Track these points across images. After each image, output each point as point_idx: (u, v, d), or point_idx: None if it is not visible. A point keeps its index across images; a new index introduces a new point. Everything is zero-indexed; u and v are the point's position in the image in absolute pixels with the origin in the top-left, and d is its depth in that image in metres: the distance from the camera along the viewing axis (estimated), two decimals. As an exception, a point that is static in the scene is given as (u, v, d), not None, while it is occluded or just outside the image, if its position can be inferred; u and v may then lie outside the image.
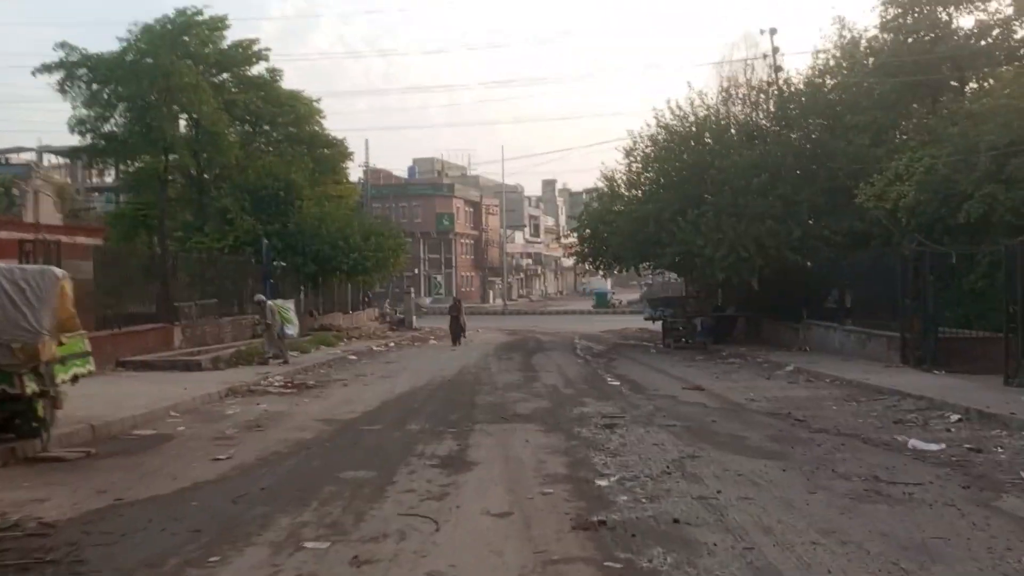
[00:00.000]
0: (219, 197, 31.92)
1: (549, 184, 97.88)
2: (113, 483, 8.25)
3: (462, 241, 77.50)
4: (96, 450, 9.90)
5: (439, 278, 73.55)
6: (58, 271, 10.16)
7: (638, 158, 29.32)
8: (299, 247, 31.48)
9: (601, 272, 32.80)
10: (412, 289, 43.83)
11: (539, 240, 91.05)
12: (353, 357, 24.16)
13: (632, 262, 28.22)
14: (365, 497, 7.68)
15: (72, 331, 10.18)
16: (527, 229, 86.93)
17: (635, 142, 29.34)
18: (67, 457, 9.48)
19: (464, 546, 6.20)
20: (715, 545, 6.12)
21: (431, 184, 75.75)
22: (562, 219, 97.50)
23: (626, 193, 29.65)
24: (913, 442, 10.20)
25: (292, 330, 20.39)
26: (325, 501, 7.54)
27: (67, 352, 9.93)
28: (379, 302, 56.59)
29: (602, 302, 63.01)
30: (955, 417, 12.07)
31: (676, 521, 6.75)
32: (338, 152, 37.88)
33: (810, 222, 24.32)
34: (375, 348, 27.64)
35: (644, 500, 7.48)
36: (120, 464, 9.29)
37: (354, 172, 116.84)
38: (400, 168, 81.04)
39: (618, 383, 17.59)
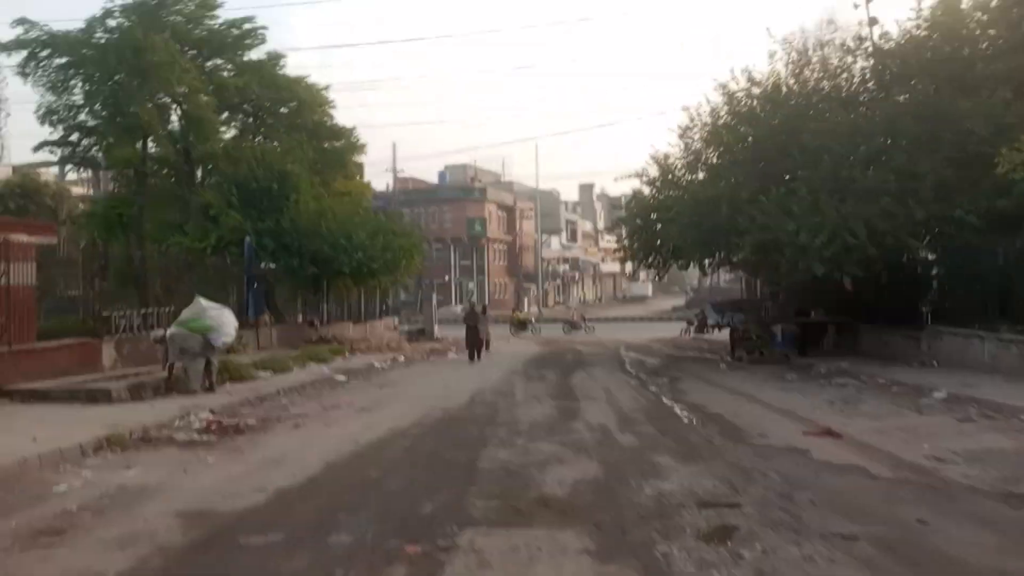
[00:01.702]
0: (202, 191, 26.51)
1: (587, 188, 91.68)
2: None
3: (495, 247, 71.71)
4: None
5: (471, 285, 67.77)
6: None
7: (697, 136, 23.22)
8: (294, 247, 25.92)
9: (656, 274, 26.39)
10: (434, 296, 38.03)
11: (576, 245, 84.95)
12: (342, 377, 18.42)
13: (695, 257, 21.90)
14: None
15: None
16: (564, 234, 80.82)
17: (693, 119, 23.28)
18: None
19: None
20: None
21: (462, 188, 70.13)
22: (600, 223, 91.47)
23: (685, 177, 23.53)
24: None
25: (222, 338, 14.59)
26: None
27: None
28: (408, 311, 51.19)
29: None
30: None
31: None
32: (348, 144, 32.20)
33: (933, 202, 17.98)
34: (377, 364, 21.90)
35: None
36: None
37: (382, 177, 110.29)
38: (431, 174, 75.78)
39: (697, 420, 11.61)
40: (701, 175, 22.54)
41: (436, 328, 34.96)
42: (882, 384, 15.55)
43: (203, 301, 15.03)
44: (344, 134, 31.34)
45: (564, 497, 7.05)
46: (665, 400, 14.24)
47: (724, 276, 69.97)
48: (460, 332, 30.29)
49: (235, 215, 25.63)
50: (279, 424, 11.69)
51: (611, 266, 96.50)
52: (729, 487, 7.41)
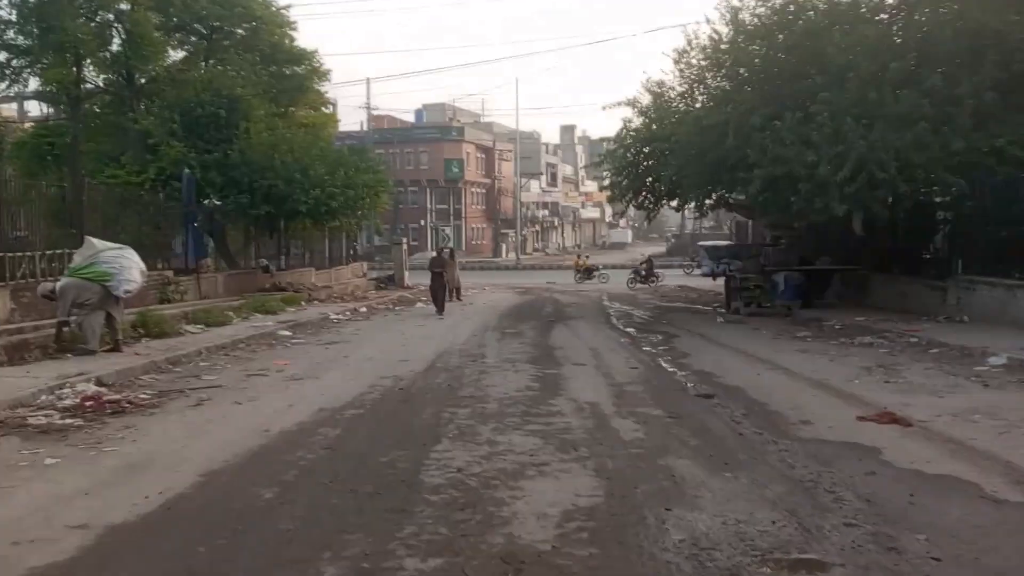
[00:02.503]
0: (140, 118, 23.26)
1: (568, 130, 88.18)
2: None
3: (473, 190, 68.43)
4: None
5: (447, 230, 64.68)
6: None
7: (696, 61, 20.18)
8: (244, 182, 22.89)
9: (646, 215, 23.46)
10: (404, 240, 35.08)
11: (556, 189, 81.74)
12: (286, 332, 15.67)
13: (695, 194, 19.00)
14: None
15: None
16: (544, 178, 77.53)
17: (690, 41, 20.21)
18: None
19: None
20: None
21: (439, 128, 66.40)
22: (581, 167, 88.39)
23: (681, 106, 20.56)
24: None
25: (124, 285, 11.71)
26: None
27: None
28: (383, 257, 48.21)
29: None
30: None
31: None
32: (309, 70, 28.78)
33: (972, 131, 15.30)
34: (333, 316, 19.14)
35: None
36: None
37: (355, 115, 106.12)
38: (407, 113, 71.93)
39: (711, 395, 9.03)
40: (700, 103, 19.61)
41: (406, 275, 32.17)
42: (916, 344, 13.05)
43: (97, 242, 12.15)
44: (305, 57, 27.92)
45: (546, 553, 4.41)
46: (665, 365, 11.65)
47: (706, 222, 67.42)
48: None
49: (177, 145, 22.56)
50: (178, 400, 8.96)
51: (591, 212, 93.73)
52: (794, 523, 4.81)
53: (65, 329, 11.70)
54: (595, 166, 21.51)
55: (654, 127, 20.36)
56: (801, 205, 15.69)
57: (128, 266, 11.92)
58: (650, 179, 20.74)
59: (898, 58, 15.38)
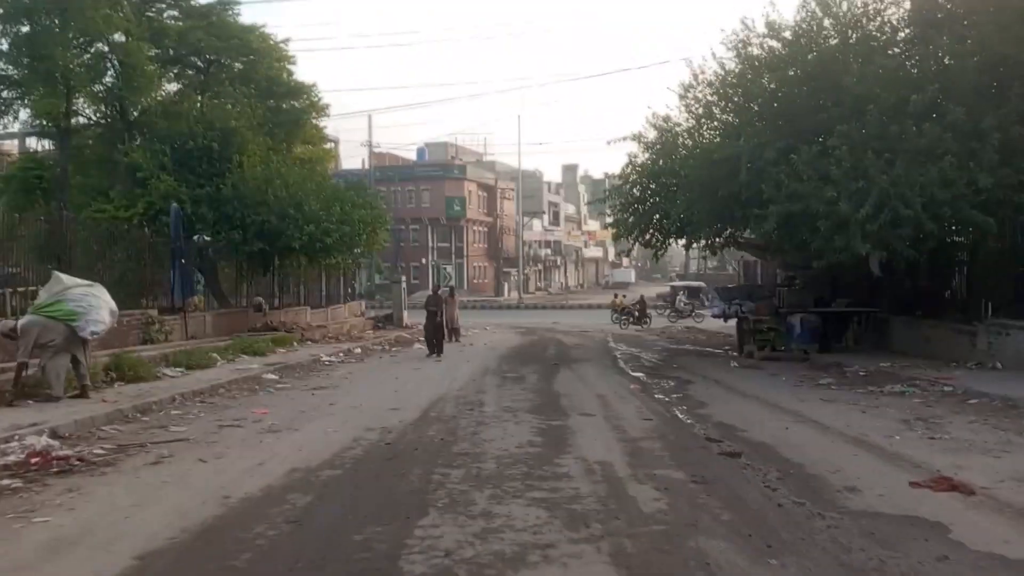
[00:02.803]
0: (130, 151, 22.51)
1: (570, 170, 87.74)
2: None
3: (475, 228, 67.67)
4: None
5: (449, 268, 63.78)
6: None
7: (703, 95, 19.37)
8: (237, 218, 22.04)
9: (654, 253, 22.42)
10: (403, 278, 34.15)
11: (559, 228, 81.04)
12: (272, 376, 14.65)
13: (705, 232, 18.00)
14: None
15: None
16: (546, 217, 76.80)
17: (696, 75, 19.43)
18: None
19: None
20: None
21: (441, 166, 65.86)
22: (584, 207, 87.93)
23: (687, 142, 19.72)
24: None
25: (91, 327, 10.68)
26: None
27: None
28: (384, 295, 47.30)
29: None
30: None
31: None
32: (308, 104, 28.12)
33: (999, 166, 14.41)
34: (325, 358, 18.11)
35: None
36: None
37: (356, 153, 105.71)
38: (409, 151, 71.57)
39: (738, 454, 7.99)
40: (708, 138, 18.78)
41: (405, 315, 31.18)
42: (951, 394, 12.03)
43: (65, 278, 11.21)
44: (303, 91, 27.29)
45: None
46: (681, 416, 10.61)
47: (711, 262, 66.56)
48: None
49: (167, 179, 21.76)
50: (136, 456, 7.93)
51: (594, 251, 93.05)
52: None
53: (26, 372, 10.71)
54: (600, 202, 20.65)
55: (660, 162, 19.53)
56: (820, 244, 14.75)
57: (97, 305, 10.96)
58: (657, 216, 19.84)
59: (918, 90, 14.56)
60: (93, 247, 21.24)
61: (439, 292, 21.25)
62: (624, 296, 41.02)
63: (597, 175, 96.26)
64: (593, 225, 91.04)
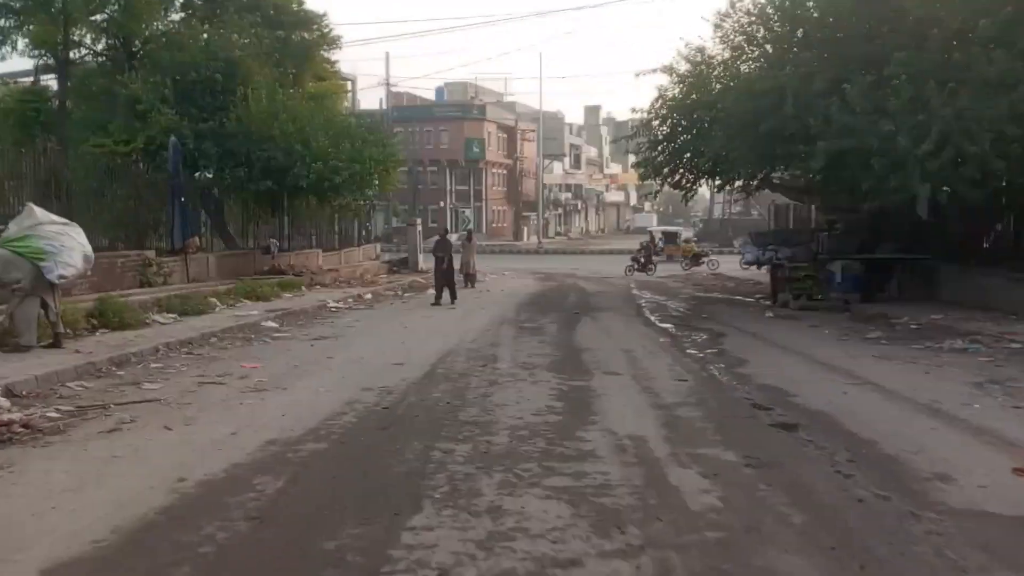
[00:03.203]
0: (129, 83, 21.14)
1: (593, 111, 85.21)
2: None
3: (494, 171, 65.92)
4: None
5: (467, 212, 62.33)
6: None
7: (742, 23, 17.60)
8: (242, 154, 20.75)
9: (683, 195, 20.78)
10: (418, 220, 32.80)
11: (580, 172, 79.01)
12: (271, 324, 13.53)
13: (747, 169, 16.33)
14: None
15: None
16: (567, 159, 74.76)
17: (733, 3, 17.62)
18: None
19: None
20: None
21: (460, 106, 63.84)
22: (606, 150, 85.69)
23: (722, 75, 18.00)
24: None
25: (59, 270, 9.52)
26: None
27: None
28: (399, 238, 46.11)
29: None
30: None
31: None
32: (318, 35, 26.48)
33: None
34: (332, 304, 16.99)
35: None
36: None
37: (373, 94, 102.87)
38: (428, 91, 69.44)
39: (794, 426, 6.75)
40: (746, 69, 17.11)
41: (421, 258, 29.96)
42: (1021, 351, 10.68)
43: (39, 212, 10.01)
44: (312, 21, 25.63)
45: None
46: (718, 375, 9.36)
47: (735, 206, 64.36)
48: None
49: (168, 112, 20.40)
50: (94, 421, 6.83)
51: (615, 195, 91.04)
52: None
53: (-11, 318, 9.63)
54: (626, 139, 19.00)
55: (694, 96, 17.89)
56: (872, 184, 13.25)
57: (70, 246, 9.78)
58: (688, 154, 18.30)
59: (988, 13, 12.82)
60: (92, 184, 20.17)
61: (447, 236, 19.58)
62: (695, 241, 39.59)
63: (621, 117, 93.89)
64: (615, 168, 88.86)
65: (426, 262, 30.82)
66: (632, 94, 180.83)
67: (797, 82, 13.87)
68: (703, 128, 16.64)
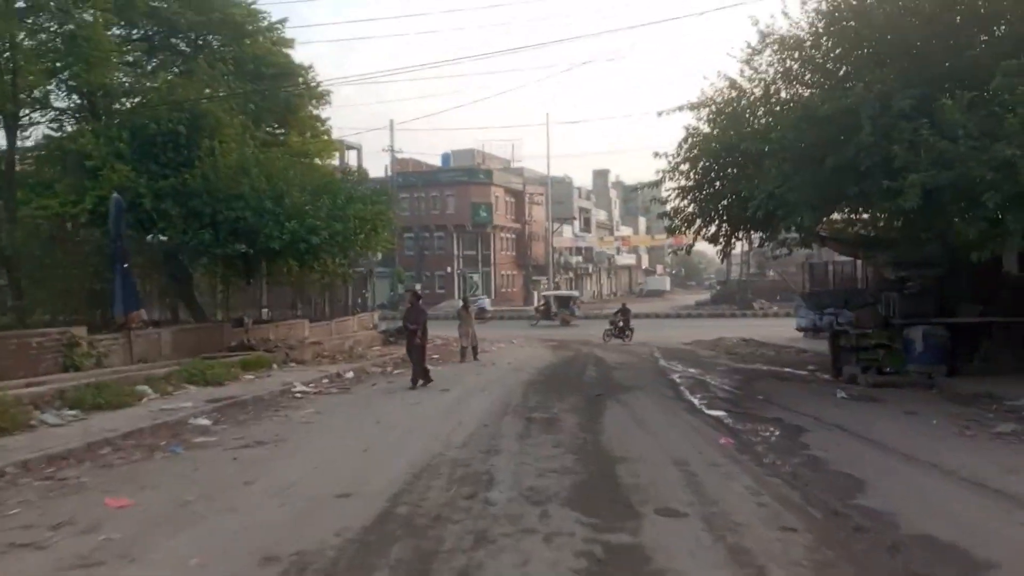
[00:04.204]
0: (78, 135, 18.35)
1: (601, 175, 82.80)
2: None
3: (502, 235, 63.11)
4: None
5: (475, 277, 59.32)
6: None
7: (779, 56, 14.59)
8: (207, 214, 17.78)
9: (720, 250, 17.22)
10: (418, 285, 29.59)
11: (590, 235, 76.11)
12: (203, 421, 10.17)
13: (807, 216, 12.70)
14: None
15: None
16: (577, 223, 71.96)
17: (765, 36, 14.66)
18: None
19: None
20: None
21: (466, 171, 61.44)
22: (616, 212, 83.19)
23: (760, 110, 14.87)
24: None
25: None
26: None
27: None
28: (403, 306, 42.89)
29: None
30: None
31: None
32: (307, 91, 23.78)
33: None
34: (299, 388, 13.61)
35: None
36: None
37: (379, 160, 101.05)
38: (434, 157, 67.28)
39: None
40: (790, 97, 14.00)
41: (420, 327, 26.58)
42: None
43: None
44: (296, 73, 23.00)
45: None
46: (838, 513, 5.91)
47: (750, 267, 60.90)
48: (452, 331, 22.00)
49: (123, 168, 17.52)
50: None
51: (627, 258, 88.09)
52: None
53: None
54: (650, 187, 15.80)
55: (732, 133, 14.75)
56: (979, 228, 9.95)
57: None
58: (725, 202, 15.11)
59: None
60: (35, 252, 17.28)
61: (419, 301, 15.46)
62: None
63: (629, 180, 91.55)
64: (626, 231, 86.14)
65: (437, 330, 27.57)
66: (640, 160, 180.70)
67: (873, 103, 10.70)
68: (748, 169, 13.37)
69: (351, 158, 43.58)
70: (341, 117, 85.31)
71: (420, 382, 14.15)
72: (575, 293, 47.97)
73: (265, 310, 24.06)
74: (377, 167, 63.81)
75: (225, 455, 8.25)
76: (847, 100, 11.03)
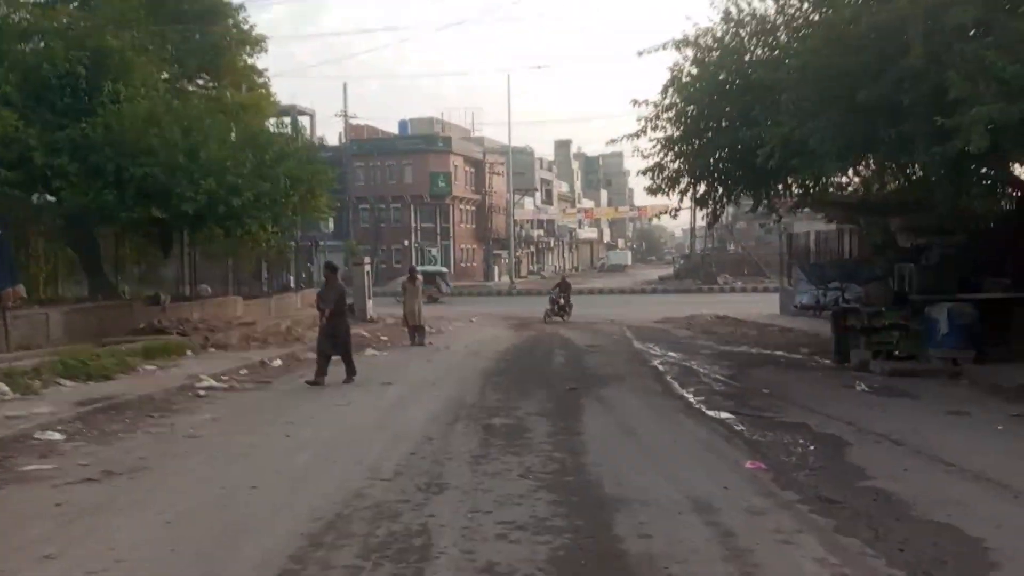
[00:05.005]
0: (-43, 78, 15.25)
1: (563, 146, 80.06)
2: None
3: (462, 207, 60.25)
4: None
5: (434, 251, 56.45)
6: None
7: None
8: (110, 171, 14.89)
9: (709, 212, 14.65)
10: (366, 259, 26.81)
11: (552, 207, 73.59)
12: (51, 435, 7.51)
13: (830, 167, 10.11)
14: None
15: None
16: (538, 195, 69.38)
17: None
18: None
19: None
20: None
21: (424, 138, 58.25)
22: (578, 185, 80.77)
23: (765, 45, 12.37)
24: None
25: None
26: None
27: None
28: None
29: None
30: None
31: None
32: (235, 34, 20.66)
33: None
34: (206, 383, 10.91)
35: None
36: None
37: (333, 126, 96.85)
38: (391, 124, 63.98)
39: None
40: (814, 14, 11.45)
41: (370, 304, 24.05)
42: None
43: None
44: (225, 14, 19.95)
45: None
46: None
47: (710, 240, 58.81)
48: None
49: (9, 116, 14.54)
50: None
51: (588, 232, 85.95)
52: None
53: None
54: (630, 137, 13.21)
55: (726, 75, 12.30)
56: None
57: None
58: (718, 153, 12.70)
59: None
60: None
61: (336, 274, 12.07)
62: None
63: (591, 152, 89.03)
64: (588, 203, 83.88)
65: (377, 308, 24.99)
66: (603, 129, 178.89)
67: (924, 17, 8.31)
68: (752, 111, 10.88)
69: (306, 126, 40.33)
70: (296, 84, 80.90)
71: (354, 376, 11.52)
72: (444, 269, 45.94)
73: (205, 286, 21.17)
74: (332, 136, 60.24)
75: (48, 496, 5.65)
76: (886, 14, 8.61)
